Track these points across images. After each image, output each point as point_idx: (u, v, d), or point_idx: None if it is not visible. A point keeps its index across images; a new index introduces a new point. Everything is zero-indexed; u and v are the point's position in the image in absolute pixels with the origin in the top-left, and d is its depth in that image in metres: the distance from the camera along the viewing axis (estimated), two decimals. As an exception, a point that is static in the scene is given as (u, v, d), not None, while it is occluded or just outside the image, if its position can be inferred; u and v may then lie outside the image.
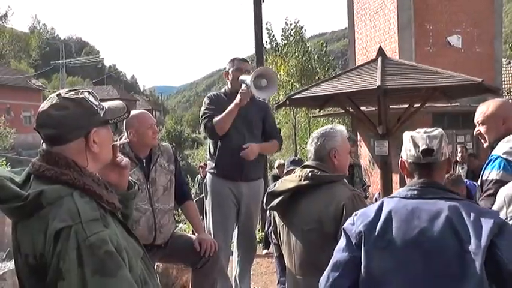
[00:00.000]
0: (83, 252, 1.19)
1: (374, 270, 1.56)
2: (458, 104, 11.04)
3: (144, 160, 2.86)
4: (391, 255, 1.54)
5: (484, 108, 2.47)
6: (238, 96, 3.25)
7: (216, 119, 3.31)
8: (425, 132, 1.69)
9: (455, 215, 1.52)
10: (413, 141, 1.68)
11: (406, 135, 1.73)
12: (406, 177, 1.73)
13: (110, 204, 1.38)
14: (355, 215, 1.67)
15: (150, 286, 1.41)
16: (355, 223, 1.64)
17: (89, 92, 1.44)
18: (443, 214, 1.53)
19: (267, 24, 17.76)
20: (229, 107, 3.29)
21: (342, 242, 1.67)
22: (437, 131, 1.70)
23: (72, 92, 1.41)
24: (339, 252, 1.67)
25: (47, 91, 38.78)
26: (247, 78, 3.21)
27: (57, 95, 1.40)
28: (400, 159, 1.75)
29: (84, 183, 1.32)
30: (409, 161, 1.69)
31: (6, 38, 49.12)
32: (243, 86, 3.30)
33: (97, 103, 1.42)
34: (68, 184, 1.30)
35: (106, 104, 1.48)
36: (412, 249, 1.52)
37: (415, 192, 1.62)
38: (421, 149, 1.64)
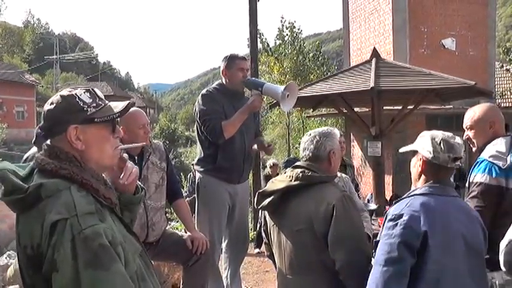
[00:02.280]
0: (77, 245, 1.21)
1: (439, 264, 1.67)
2: (451, 106, 11.11)
3: (136, 157, 2.85)
4: (452, 249, 1.70)
5: (472, 114, 2.54)
6: (253, 103, 3.19)
7: (226, 123, 3.18)
8: (451, 138, 1.84)
9: (473, 211, 1.89)
10: (447, 146, 1.80)
11: (436, 136, 1.84)
12: (420, 174, 1.87)
13: (106, 199, 1.41)
14: (399, 217, 1.70)
15: (148, 283, 1.42)
16: (411, 226, 1.67)
17: (88, 89, 1.46)
18: (470, 210, 1.88)
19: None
20: (240, 113, 3.20)
21: (395, 250, 1.66)
22: (459, 138, 1.88)
23: (70, 89, 1.45)
24: (397, 264, 1.65)
25: (40, 86, 38.55)
26: (274, 88, 3.17)
27: (59, 92, 1.47)
28: (422, 157, 1.86)
29: (82, 178, 1.36)
30: (435, 162, 1.81)
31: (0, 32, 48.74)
32: (254, 91, 3.25)
33: (89, 101, 1.42)
34: (67, 178, 1.34)
35: (112, 103, 1.50)
36: (462, 242, 1.72)
37: (445, 191, 1.81)
38: (454, 156, 1.79)
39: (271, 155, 3.43)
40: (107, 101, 1.49)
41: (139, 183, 1.75)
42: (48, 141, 1.42)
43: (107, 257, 1.24)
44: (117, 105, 1.50)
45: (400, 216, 1.69)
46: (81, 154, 1.41)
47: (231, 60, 3.35)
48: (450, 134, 1.84)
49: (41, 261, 1.24)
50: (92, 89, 1.48)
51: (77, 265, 1.19)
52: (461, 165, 8.14)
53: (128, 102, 1.52)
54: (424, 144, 1.85)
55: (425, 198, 1.74)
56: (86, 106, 1.41)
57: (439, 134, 1.84)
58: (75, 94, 1.43)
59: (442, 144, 1.79)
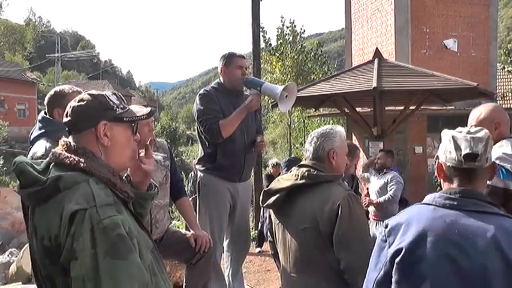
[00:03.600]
0: (96, 234, 1.24)
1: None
2: (453, 107, 11.11)
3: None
4: (424, 273, 1.35)
5: (477, 114, 2.51)
6: (250, 102, 3.20)
7: (223, 122, 3.18)
8: (468, 133, 1.48)
9: (503, 233, 1.34)
10: (454, 143, 1.46)
11: (446, 134, 1.52)
12: (442, 181, 1.54)
13: (123, 192, 1.45)
14: (386, 227, 1.49)
15: (159, 278, 1.45)
16: (387, 240, 1.46)
17: (114, 92, 1.55)
18: (488, 231, 1.34)
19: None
20: (238, 112, 3.21)
21: (373, 260, 1.51)
22: (483, 132, 1.50)
23: (96, 90, 1.53)
24: (371, 272, 1.50)
25: (41, 84, 38.56)
26: (273, 89, 3.18)
27: (86, 92, 1.54)
28: (437, 160, 1.55)
29: (100, 171, 1.40)
30: (448, 164, 1.48)
31: (1, 29, 48.81)
32: (253, 90, 3.27)
33: (117, 102, 1.51)
34: (85, 171, 1.37)
35: (133, 107, 1.59)
36: (449, 268, 1.33)
37: (455, 202, 1.41)
38: (463, 153, 1.43)
39: (261, 150, 3.42)
40: (128, 106, 1.57)
41: (153, 181, 1.79)
42: (68, 138, 1.46)
43: (125, 247, 1.27)
44: (140, 110, 1.58)
45: (386, 226, 1.50)
46: (105, 151, 1.46)
47: (230, 58, 3.35)
48: (471, 129, 1.50)
49: (59, 251, 1.26)
50: (118, 93, 1.56)
51: (96, 254, 1.22)
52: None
53: (150, 108, 1.62)
54: (441, 145, 1.55)
55: (419, 209, 1.46)
56: (115, 106, 1.49)
57: (454, 131, 1.51)
58: (105, 94, 1.51)
59: (451, 141, 1.46)
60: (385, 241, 1.46)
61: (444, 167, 1.50)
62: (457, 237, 1.34)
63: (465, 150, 1.43)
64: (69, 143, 1.44)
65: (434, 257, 1.35)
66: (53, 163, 1.41)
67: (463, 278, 1.32)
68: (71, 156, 1.38)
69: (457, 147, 1.45)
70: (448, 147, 1.48)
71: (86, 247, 1.23)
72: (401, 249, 1.39)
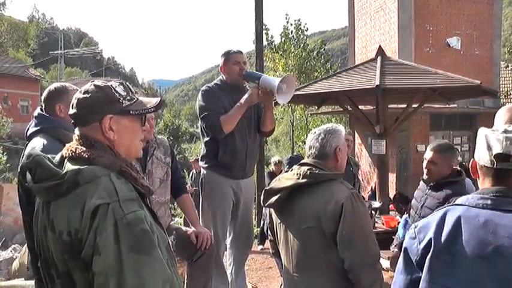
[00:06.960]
0: (119, 229, 1.22)
1: None
2: (456, 105, 11.08)
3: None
4: (457, 272, 1.28)
5: (502, 112, 2.40)
6: (250, 96, 3.20)
7: (224, 117, 3.19)
8: (504, 132, 1.35)
9: None
10: (486, 142, 1.37)
11: (481, 133, 1.41)
12: (479, 181, 1.44)
13: (144, 187, 1.42)
14: (415, 227, 1.42)
15: (172, 275, 1.41)
16: (416, 237, 1.39)
17: (121, 83, 1.49)
18: None
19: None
20: (238, 107, 3.20)
21: (401, 261, 1.42)
22: None
23: (104, 81, 1.48)
24: (399, 275, 1.42)
25: (45, 81, 38.63)
26: (271, 81, 3.16)
27: (91, 82, 1.47)
28: (472, 159, 1.46)
29: (121, 166, 1.36)
30: (481, 163, 1.39)
31: (5, 26, 48.81)
32: (251, 84, 3.27)
33: (124, 93, 1.45)
34: (105, 166, 1.34)
35: (142, 98, 1.52)
36: (484, 270, 1.25)
37: (488, 201, 1.32)
38: (494, 152, 1.33)
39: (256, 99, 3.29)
40: (136, 96, 1.51)
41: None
42: (77, 131, 1.43)
43: (149, 243, 1.25)
44: (150, 101, 1.52)
45: (416, 226, 1.43)
46: (112, 144, 1.42)
47: (227, 54, 3.39)
48: (509, 128, 1.38)
49: (80, 246, 1.23)
50: (125, 83, 1.51)
51: (119, 249, 1.20)
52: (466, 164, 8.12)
53: (159, 99, 1.55)
54: (477, 143, 1.45)
55: (451, 209, 1.38)
56: (122, 98, 1.44)
57: (488, 129, 1.42)
58: (111, 85, 1.44)
59: (484, 140, 1.38)
60: (415, 237, 1.39)
61: (478, 166, 1.42)
62: (491, 237, 1.26)
63: (496, 150, 1.33)
64: (86, 137, 1.40)
65: (468, 257, 1.27)
66: (67, 157, 1.37)
67: (499, 282, 1.23)
68: (89, 151, 1.35)
69: (489, 147, 1.36)
70: (481, 146, 1.39)
71: (109, 242, 1.21)
72: (432, 245, 1.32)
